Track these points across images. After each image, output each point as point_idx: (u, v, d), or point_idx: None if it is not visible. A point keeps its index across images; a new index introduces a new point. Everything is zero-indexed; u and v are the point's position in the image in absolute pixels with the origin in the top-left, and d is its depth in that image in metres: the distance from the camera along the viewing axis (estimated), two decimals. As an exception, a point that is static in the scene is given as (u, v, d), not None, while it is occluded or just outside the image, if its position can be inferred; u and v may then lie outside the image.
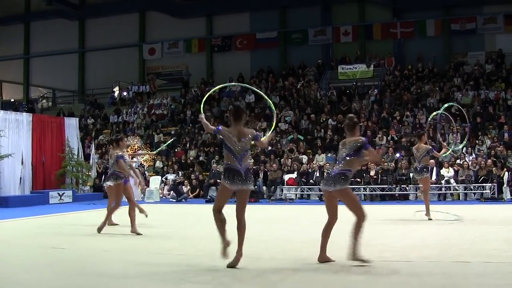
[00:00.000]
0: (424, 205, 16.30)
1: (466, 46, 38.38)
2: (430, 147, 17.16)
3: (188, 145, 34.06)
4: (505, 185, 25.31)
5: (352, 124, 9.33)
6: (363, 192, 26.96)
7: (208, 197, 27.33)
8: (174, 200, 28.26)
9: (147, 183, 29.55)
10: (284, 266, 8.82)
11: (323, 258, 8.93)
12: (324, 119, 33.35)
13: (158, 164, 32.69)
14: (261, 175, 28.81)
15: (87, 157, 31.77)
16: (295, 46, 41.99)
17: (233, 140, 8.58)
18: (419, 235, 12.09)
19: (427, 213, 15.95)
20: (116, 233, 13.69)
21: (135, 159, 29.17)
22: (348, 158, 9.08)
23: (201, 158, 32.35)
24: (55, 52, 46.70)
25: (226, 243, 8.58)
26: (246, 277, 8.01)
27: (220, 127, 8.81)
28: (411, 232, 12.08)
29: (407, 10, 39.88)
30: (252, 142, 9.00)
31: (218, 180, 28.18)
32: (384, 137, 30.42)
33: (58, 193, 27.27)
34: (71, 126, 31.02)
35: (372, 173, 27.00)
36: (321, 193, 27.42)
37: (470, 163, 26.80)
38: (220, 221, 8.76)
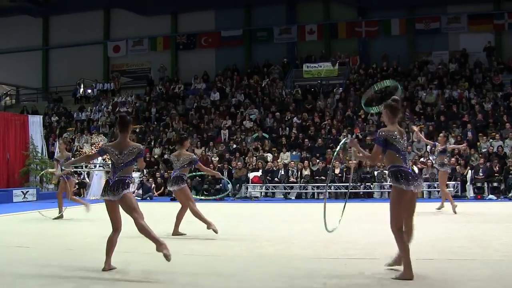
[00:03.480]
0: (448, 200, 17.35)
1: (430, 46, 38.66)
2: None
3: (153, 143, 33.87)
4: (468, 183, 25.55)
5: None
6: (328, 190, 27.05)
7: (173, 195, 27.18)
8: (139, 198, 28.09)
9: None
10: (250, 263, 8.78)
11: None
12: (289, 117, 33.37)
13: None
14: (226, 173, 28.75)
15: (51, 155, 31.44)
16: (260, 44, 41.99)
17: (115, 154, 8.39)
18: (383, 233, 12.05)
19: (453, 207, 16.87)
20: (84, 232, 13.55)
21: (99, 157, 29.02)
22: None
23: (166, 156, 32.16)
24: (18, 49, 46.15)
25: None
26: (208, 273, 7.96)
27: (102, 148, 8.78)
28: (376, 230, 12.10)
29: (372, 9, 40.12)
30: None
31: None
32: (349, 136, 30.47)
33: (22, 191, 26.97)
34: (35, 123, 30.72)
35: (337, 171, 27.08)
36: (286, 191, 27.51)
37: (433, 161, 26.98)
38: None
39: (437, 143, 18.87)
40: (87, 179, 30.15)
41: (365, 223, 14.74)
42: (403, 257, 7.54)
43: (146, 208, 21.61)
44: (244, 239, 11.70)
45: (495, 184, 25.17)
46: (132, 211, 8.23)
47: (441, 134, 19.02)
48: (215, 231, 12.02)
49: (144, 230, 8.13)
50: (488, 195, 25.10)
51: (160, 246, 7.96)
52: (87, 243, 11.70)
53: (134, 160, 8.42)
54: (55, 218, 16.79)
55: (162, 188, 29.37)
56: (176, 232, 12.57)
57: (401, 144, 7.65)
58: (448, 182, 25.37)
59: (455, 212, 16.23)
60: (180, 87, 40.36)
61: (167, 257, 7.86)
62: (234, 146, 31.62)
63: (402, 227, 7.64)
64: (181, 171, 12.91)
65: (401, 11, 39.52)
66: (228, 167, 29.01)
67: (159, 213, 18.97)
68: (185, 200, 12.74)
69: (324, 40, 40.73)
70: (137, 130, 35.94)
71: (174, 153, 13.48)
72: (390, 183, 7.50)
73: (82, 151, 31.66)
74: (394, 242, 10.75)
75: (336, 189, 26.73)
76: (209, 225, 12.18)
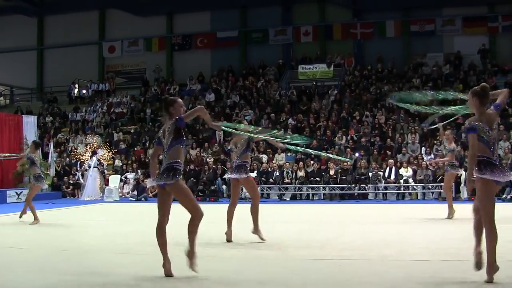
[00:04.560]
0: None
1: (425, 48, 38.73)
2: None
3: (147, 144, 33.87)
4: (462, 185, 25.61)
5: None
6: (323, 192, 27.16)
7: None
8: (134, 199, 28.12)
9: (106, 182, 29.38)
10: (246, 264, 8.83)
11: None
12: (284, 119, 33.42)
13: (118, 162, 32.45)
14: (220, 174, 28.79)
15: (45, 155, 31.39)
16: (256, 45, 42.00)
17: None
18: (378, 235, 12.18)
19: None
20: (78, 232, 13.57)
21: (94, 158, 29.05)
22: None
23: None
24: (13, 49, 46.03)
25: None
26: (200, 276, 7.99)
27: None
28: (371, 232, 12.18)
29: (367, 11, 40.16)
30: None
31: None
32: (344, 137, 30.57)
33: (16, 192, 26.95)
34: (29, 124, 30.66)
35: (332, 172, 27.16)
36: (281, 192, 27.56)
37: (428, 163, 27.07)
38: None
39: (444, 143, 18.24)
40: (81, 179, 30.12)
41: (360, 224, 14.80)
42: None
43: (142, 209, 21.67)
44: (239, 240, 11.73)
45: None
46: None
47: (447, 132, 18.33)
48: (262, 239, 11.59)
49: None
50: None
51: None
52: (84, 244, 11.72)
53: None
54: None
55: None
56: (256, 231, 11.68)
57: (488, 136, 7.57)
58: (442, 184, 25.53)
59: (449, 218, 15.85)
60: (175, 87, 40.35)
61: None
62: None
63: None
64: (242, 158, 11.77)
65: (396, 13, 39.61)
66: (223, 168, 29.03)
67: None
68: (253, 191, 12.01)
69: (319, 41, 40.76)
70: (132, 130, 35.96)
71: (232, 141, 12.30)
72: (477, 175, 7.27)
73: (76, 152, 31.74)
74: (389, 242, 10.86)
75: (331, 190, 26.81)
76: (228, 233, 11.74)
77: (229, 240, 11.56)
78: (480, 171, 7.43)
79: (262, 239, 11.52)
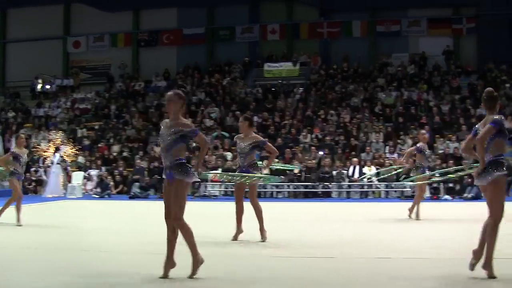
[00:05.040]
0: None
1: (391, 48, 38.96)
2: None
3: (111, 140, 33.65)
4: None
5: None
6: (287, 190, 27.22)
7: (132, 193, 27.17)
8: (97, 196, 27.91)
9: (69, 179, 29.11)
10: (213, 263, 8.79)
11: None
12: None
13: (81, 159, 32.16)
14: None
15: (7, 152, 30.94)
16: (222, 43, 41.91)
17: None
18: (342, 233, 12.21)
19: (411, 209, 15.61)
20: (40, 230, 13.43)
21: (57, 154, 28.75)
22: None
23: (125, 154, 31.99)
24: (-25, 42, 45.52)
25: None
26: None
27: None
28: (334, 230, 12.22)
29: (334, 11, 40.32)
30: None
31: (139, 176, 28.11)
32: (309, 135, 30.66)
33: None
34: (-9, 119, 30.27)
35: (296, 170, 27.21)
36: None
37: (391, 162, 27.26)
38: None
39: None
40: (44, 176, 29.79)
41: (324, 222, 14.84)
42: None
43: (105, 206, 21.54)
44: (204, 238, 11.68)
45: (450, 185, 25.57)
46: None
47: (422, 131, 17.97)
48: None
49: None
50: (444, 195, 25.45)
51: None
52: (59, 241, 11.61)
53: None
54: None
55: (121, 186, 29.24)
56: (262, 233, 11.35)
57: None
58: (405, 183, 25.76)
59: (409, 216, 15.63)
60: (140, 84, 40.14)
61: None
62: (194, 144, 31.55)
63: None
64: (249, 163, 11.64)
65: (362, 13, 39.82)
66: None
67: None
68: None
69: (286, 40, 40.79)
70: (96, 127, 35.69)
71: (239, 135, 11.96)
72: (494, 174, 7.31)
73: (39, 148, 31.37)
74: (352, 240, 10.90)
75: (295, 188, 26.88)
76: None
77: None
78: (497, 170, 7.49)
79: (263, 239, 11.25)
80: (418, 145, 16.85)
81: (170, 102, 7.86)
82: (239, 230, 11.48)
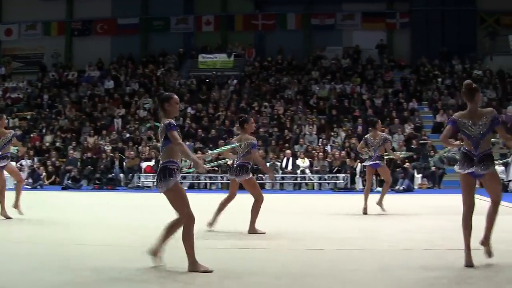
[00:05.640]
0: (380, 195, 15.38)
1: (325, 41, 39.25)
2: (387, 135, 16.19)
3: (44, 131, 33.12)
4: (357, 176, 26.20)
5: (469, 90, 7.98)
6: (220, 181, 27.22)
7: (64, 184, 26.84)
8: (29, 187, 27.41)
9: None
10: (142, 253, 8.72)
11: None
12: (183, 108, 33.25)
13: (13, 150, 31.46)
14: (118, 163, 28.47)
15: None
16: (157, 33, 41.56)
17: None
18: (273, 225, 12.20)
19: (380, 203, 15.07)
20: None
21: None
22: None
23: (57, 144, 31.52)
24: None
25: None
26: (103, 266, 7.86)
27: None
28: (265, 222, 12.20)
29: (269, 3, 40.44)
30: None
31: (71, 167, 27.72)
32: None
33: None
34: None
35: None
36: (180, 180, 27.43)
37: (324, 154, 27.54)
38: None
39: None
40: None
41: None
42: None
43: (37, 197, 21.19)
44: (137, 229, 11.59)
45: (383, 178, 25.87)
46: None
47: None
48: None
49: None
50: (376, 187, 25.75)
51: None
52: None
53: None
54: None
55: (54, 177, 28.83)
56: (253, 230, 11.01)
57: (470, 131, 7.95)
58: (338, 175, 26.10)
59: (365, 212, 14.79)
60: (73, 74, 39.57)
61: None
62: (127, 135, 31.32)
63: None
64: (245, 159, 11.61)
65: (297, 6, 39.97)
66: (121, 156, 28.74)
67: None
68: (256, 191, 11.57)
69: (220, 31, 40.72)
70: (28, 117, 35.10)
71: (236, 137, 11.97)
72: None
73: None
74: (284, 232, 10.94)
75: (229, 180, 26.85)
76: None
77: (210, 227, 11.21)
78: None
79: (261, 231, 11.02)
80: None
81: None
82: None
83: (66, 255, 8.42)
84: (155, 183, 7.46)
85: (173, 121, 7.49)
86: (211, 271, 6.98)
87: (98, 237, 10.40)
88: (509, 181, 24.38)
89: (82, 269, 7.30)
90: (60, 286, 6.44)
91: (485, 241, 7.84)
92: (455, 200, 14.52)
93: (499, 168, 25.45)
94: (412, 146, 27.71)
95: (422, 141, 28.26)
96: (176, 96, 7.84)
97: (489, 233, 7.83)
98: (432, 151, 27.42)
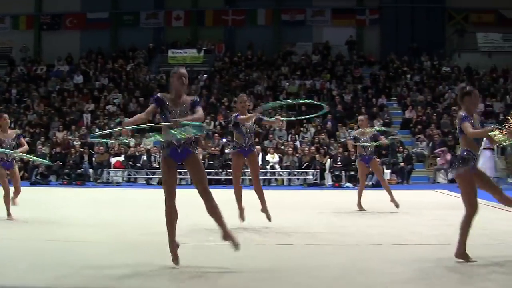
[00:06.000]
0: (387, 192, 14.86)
1: (295, 37, 39.38)
2: (375, 131, 15.92)
3: (12, 126, 32.67)
4: (327, 172, 26.34)
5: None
6: (189, 176, 27.16)
7: (33, 179, 26.69)
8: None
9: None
10: (112, 249, 8.74)
11: None
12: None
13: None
14: (87, 158, 28.34)
15: None
16: (127, 28, 41.31)
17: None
18: (245, 219, 12.25)
19: (392, 199, 14.47)
20: None
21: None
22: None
23: (26, 139, 31.21)
24: None
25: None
26: (72, 261, 7.85)
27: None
28: (235, 217, 12.26)
29: (239, -1, 40.49)
30: None
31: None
32: (212, 122, 30.72)
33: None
34: None
35: (200, 157, 27.19)
36: (148, 176, 27.39)
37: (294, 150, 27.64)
38: None
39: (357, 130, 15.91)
40: None
41: (225, 210, 14.85)
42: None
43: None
44: (106, 225, 11.57)
45: (352, 173, 26.09)
46: None
47: (362, 117, 16.23)
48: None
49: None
50: (346, 183, 25.95)
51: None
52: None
53: None
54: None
55: (22, 172, 28.56)
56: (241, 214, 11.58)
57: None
58: (307, 170, 26.21)
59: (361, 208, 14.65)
60: (42, 68, 39.25)
61: None
62: (97, 130, 31.15)
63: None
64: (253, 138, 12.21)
65: (267, 2, 40.00)
66: (90, 152, 28.60)
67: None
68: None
69: (190, 26, 40.65)
70: (-4, 111, 34.72)
71: None
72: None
73: None
74: (255, 227, 10.99)
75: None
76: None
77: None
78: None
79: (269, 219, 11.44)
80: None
81: None
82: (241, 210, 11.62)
83: (38, 251, 8.41)
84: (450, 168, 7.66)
85: (464, 113, 7.62)
86: None
87: (66, 233, 10.38)
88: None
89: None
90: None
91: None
92: (423, 196, 14.73)
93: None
94: (381, 142, 27.85)
95: (391, 137, 28.48)
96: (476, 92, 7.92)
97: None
98: (400, 147, 27.69)
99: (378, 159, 15.13)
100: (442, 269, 7.14)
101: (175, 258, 7.40)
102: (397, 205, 14.14)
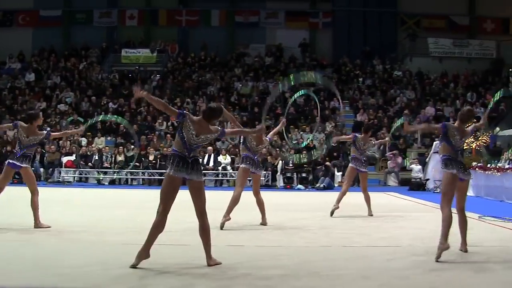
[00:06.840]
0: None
1: (249, 38, 39.57)
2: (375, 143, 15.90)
3: (-39, 123, 32.38)
4: (278, 173, 26.51)
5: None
6: (142, 177, 27.14)
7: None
8: None
9: None
10: (61, 249, 8.72)
11: None
12: (105, 102, 33.03)
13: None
14: (38, 157, 28.08)
15: None
16: (80, 26, 40.96)
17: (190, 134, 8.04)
18: (192, 220, 12.28)
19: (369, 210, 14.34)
20: None
21: None
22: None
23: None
24: None
25: None
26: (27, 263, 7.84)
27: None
28: (188, 217, 12.29)
29: (193, -1, 40.48)
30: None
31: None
32: (165, 123, 30.71)
33: None
34: None
35: (151, 157, 27.18)
36: (99, 176, 27.23)
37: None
38: None
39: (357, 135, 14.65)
40: None
41: (177, 210, 14.87)
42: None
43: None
44: (57, 225, 11.50)
45: (303, 175, 26.33)
46: None
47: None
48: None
49: None
50: (297, 185, 26.15)
51: None
52: None
53: None
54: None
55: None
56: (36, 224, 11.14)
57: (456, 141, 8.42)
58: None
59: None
60: (-7, 65, 38.79)
61: None
62: (48, 129, 30.87)
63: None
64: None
65: (221, 3, 40.08)
66: (42, 151, 28.34)
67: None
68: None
69: (144, 26, 40.52)
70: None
71: None
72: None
73: None
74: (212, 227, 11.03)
75: (150, 176, 26.84)
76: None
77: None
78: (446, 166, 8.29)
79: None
80: None
81: None
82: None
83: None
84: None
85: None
86: None
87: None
88: (427, 180, 24.96)
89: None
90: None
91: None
92: (374, 199, 14.93)
93: (416, 167, 26.18)
94: (333, 144, 28.12)
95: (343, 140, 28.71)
96: None
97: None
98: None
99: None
100: (391, 271, 7.28)
101: (137, 262, 7.54)
102: (371, 215, 14.14)
